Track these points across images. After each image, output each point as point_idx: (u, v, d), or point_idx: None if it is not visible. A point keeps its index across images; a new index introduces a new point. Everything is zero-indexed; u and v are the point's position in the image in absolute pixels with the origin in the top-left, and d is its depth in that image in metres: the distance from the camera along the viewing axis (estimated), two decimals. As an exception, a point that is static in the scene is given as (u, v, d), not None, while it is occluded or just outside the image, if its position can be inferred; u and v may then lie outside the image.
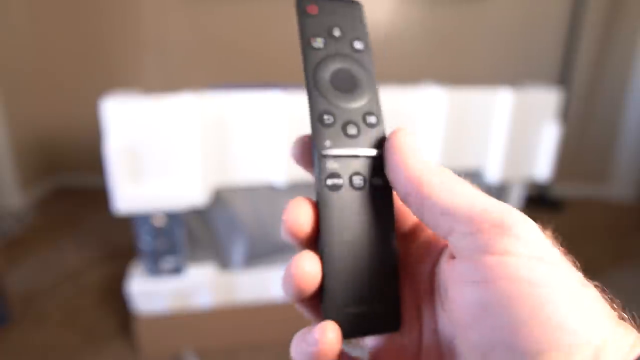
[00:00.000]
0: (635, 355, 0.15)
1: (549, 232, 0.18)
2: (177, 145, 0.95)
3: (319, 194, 0.20)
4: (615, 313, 0.17)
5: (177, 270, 1.06)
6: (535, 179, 1.21)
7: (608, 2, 2.03)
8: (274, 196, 1.06)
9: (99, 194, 1.68)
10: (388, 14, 2.06)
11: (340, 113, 0.21)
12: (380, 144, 0.21)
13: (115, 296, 1.32)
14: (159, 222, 1.01)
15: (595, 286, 0.17)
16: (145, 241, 1.02)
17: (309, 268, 0.19)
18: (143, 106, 0.91)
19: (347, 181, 0.20)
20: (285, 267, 0.20)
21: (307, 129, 0.21)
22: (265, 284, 1.12)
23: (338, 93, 0.21)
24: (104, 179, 1.13)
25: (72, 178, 2.29)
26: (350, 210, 0.20)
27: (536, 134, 1.14)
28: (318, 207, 0.20)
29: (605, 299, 0.17)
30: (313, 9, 0.22)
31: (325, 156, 0.20)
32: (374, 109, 0.21)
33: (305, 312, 0.21)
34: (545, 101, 1.12)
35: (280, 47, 1.86)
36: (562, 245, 0.18)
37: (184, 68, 2.12)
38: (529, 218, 0.18)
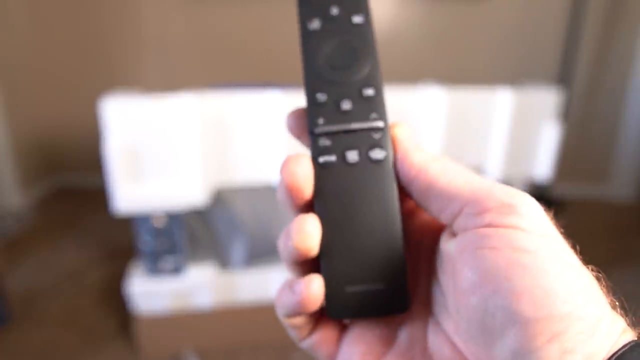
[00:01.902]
0: (626, 340, 0.15)
1: (551, 218, 0.19)
2: (177, 146, 0.95)
3: (314, 172, 0.20)
4: (609, 299, 0.17)
5: (177, 270, 1.06)
6: (536, 178, 1.21)
7: (608, 1, 2.03)
8: (274, 196, 1.06)
9: (99, 194, 1.67)
10: (388, 13, 2.05)
11: (334, 90, 0.21)
12: (381, 114, 0.20)
13: (115, 296, 1.32)
14: (159, 222, 1.01)
15: (592, 271, 0.18)
16: (145, 241, 1.02)
17: (309, 229, 0.19)
18: (143, 106, 0.91)
19: (340, 157, 0.20)
20: (284, 233, 0.19)
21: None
22: (265, 284, 1.12)
23: (334, 70, 0.21)
24: (104, 179, 1.13)
25: (72, 178, 2.29)
26: (346, 186, 0.20)
27: (536, 133, 1.14)
28: (314, 184, 0.20)
29: (600, 285, 0.17)
30: None
31: (317, 134, 0.20)
32: (372, 81, 0.21)
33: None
34: (545, 101, 1.12)
35: (280, 47, 1.86)
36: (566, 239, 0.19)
37: (184, 68, 2.12)
38: (533, 199, 0.18)
